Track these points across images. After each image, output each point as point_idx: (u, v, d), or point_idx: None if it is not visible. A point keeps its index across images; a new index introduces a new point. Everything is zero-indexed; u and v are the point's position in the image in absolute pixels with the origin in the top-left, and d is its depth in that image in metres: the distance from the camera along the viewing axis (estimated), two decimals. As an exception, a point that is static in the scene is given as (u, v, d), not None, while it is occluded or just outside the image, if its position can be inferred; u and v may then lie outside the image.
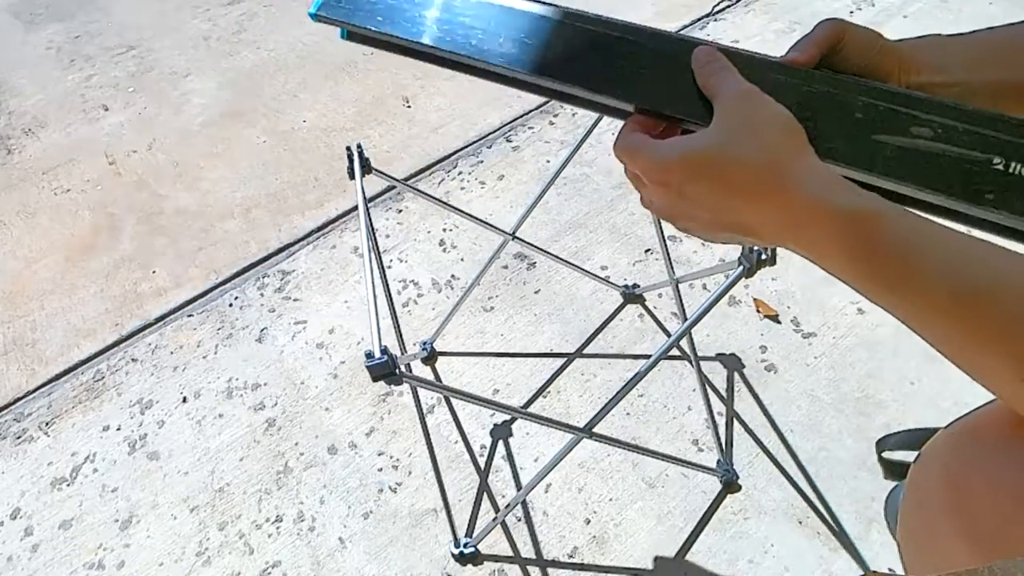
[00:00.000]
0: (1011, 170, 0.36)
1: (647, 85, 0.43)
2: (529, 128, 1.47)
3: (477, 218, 0.97)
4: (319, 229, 1.32)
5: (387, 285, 0.92)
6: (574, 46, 0.45)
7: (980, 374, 0.31)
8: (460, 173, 1.40)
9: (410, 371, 0.69)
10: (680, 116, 0.42)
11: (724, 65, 0.41)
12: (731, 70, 0.41)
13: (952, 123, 0.38)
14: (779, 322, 1.07)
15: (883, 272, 0.33)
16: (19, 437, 1.06)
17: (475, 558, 0.87)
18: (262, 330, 1.16)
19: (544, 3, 0.47)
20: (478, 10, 0.47)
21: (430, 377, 1.07)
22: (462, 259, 1.23)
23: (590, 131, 0.83)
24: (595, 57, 0.44)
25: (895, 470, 0.90)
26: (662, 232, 0.94)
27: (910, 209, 0.35)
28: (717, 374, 1.03)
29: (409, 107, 1.59)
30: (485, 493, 0.94)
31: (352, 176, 0.75)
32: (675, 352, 1.05)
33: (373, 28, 0.48)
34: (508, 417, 1.01)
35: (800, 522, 0.87)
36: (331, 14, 0.49)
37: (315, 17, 0.50)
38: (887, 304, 0.34)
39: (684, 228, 0.42)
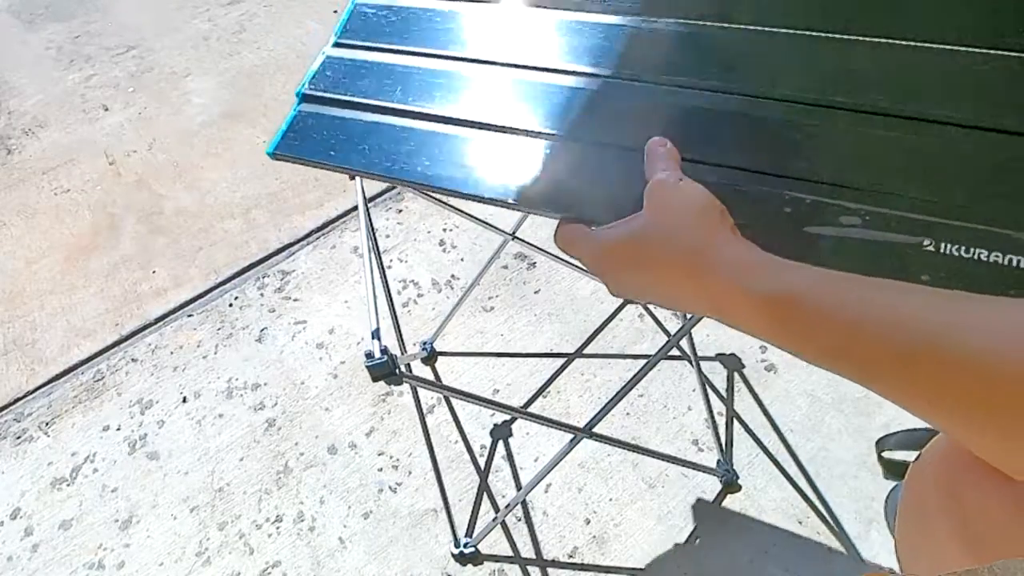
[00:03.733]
0: (942, 250, 0.37)
1: (576, 194, 0.46)
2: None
3: (477, 218, 0.97)
4: (319, 229, 1.32)
5: (387, 285, 0.92)
6: (508, 164, 0.48)
7: (935, 425, 0.31)
8: (460, 173, 1.40)
9: (410, 371, 0.69)
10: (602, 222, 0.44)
11: (662, 153, 0.41)
12: (666, 158, 0.41)
13: (878, 210, 0.39)
14: (779, 322, 1.07)
15: (812, 349, 0.32)
16: (19, 437, 1.06)
17: (475, 558, 0.87)
18: (262, 330, 1.16)
19: (488, 126, 0.51)
20: (419, 137, 0.52)
21: (430, 377, 1.07)
22: (462, 259, 1.23)
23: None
24: (527, 172, 0.48)
25: (895, 470, 0.90)
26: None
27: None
28: (717, 374, 1.03)
29: (409, 107, 1.59)
30: (485, 493, 0.94)
31: (352, 176, 0.75)
32: (675, 352, 1.05)
33: (329, 163, 0.53)
34: (508, 417, 1.01)
35: (800, 522, 0.87)
36: (288, 152, 0.55)
37: (273, 156, 0.55)
38: (830, 370, 0.33)
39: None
